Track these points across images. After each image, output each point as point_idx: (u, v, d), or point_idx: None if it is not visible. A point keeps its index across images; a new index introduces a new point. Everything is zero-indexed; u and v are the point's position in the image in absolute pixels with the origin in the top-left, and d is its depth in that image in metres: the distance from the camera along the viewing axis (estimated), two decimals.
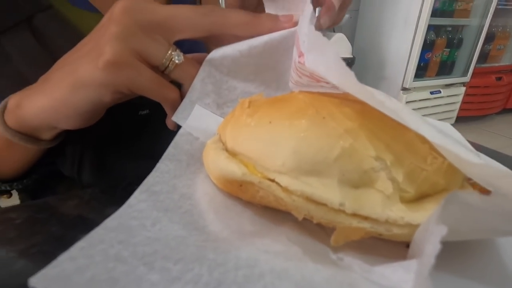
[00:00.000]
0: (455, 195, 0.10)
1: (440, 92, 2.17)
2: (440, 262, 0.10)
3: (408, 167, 0.14)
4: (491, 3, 2.00)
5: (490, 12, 2.02)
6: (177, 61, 0.20)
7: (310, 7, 0.22)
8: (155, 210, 0.16)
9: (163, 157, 0.20)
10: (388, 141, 0.14)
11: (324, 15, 0.25)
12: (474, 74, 2.22)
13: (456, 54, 2.19)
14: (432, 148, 0.14)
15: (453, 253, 0.14)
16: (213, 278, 0.11)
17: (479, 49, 2.14)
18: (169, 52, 0.20)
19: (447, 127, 0.19)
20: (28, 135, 0.24)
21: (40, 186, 0.34)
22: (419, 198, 0.14)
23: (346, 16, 2.15)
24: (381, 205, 0.13)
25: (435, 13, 1.88)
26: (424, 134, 0.12)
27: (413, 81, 2.02)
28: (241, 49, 0.24)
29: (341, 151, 0.14)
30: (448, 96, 2.21)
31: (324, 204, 0.14)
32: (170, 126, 0.25)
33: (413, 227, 0.13)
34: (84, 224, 0.20)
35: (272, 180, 0.15)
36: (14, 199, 0.30)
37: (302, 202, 0.15)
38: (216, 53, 0.24)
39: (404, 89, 2.05)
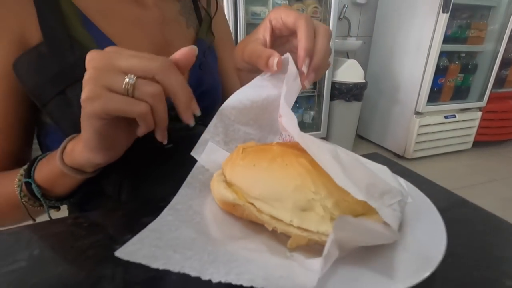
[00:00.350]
0: (342, 218, 0.18)
1: (455, 116, 2.17)
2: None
3: (336, 199, 0.22)
4: (506, 29, 2.02)
5: (504, 38, 2.05)
6: (131, 82, 0.25)
7: (292, 70, 0.31)
8: (177, 221, 0.25)
9: (183, 184, 0.29)
10: (324, 181, 0.22)
11: (305, 80, 0.34)
12: (491, 99, 2.22)
13: (471, 79, 2.21)
14: None
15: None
16: (209, 259, 0.20)
17: (495, 74, 2.15)
18: (125, 79, 0.25)
19: (383, 169, 0.26)
20: (78, 169, 0.33)
21: (85, 201, 0.44)
22: None
23: (360, 42, 2.24)
24: (316, 222, 0.21)
25: (447, 39, 1.93)
26: (332, 176, 0.20)
27: (426, 105, 2.05)
28: (245, 103, 0.34)
29: (294, 187, 0.23)
30: (463, 120, 2.21)
31: (281, 220, 0.22)
32: (161, 137, 0.30)
33: None
34: (127, 228, 0.29)
35: (252, 204, 0.24)
36: (63, 212, 0.40)
37: (269, 219, 0.23)
38: (227, 105, 0.34)
39: (417, 113, 2.08)
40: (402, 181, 0.30)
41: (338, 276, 0.20)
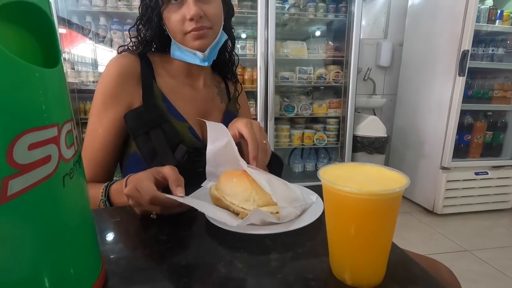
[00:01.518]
0: (257, 208, 0.39)
1: (487, 173, 2.14)
2: None
3: (260, 197, 0.44)
4: None
5: None
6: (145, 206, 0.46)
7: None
8: (196, 198, 0.48)
9: (199, 189, 0.53)
10: (257, 190, 0.44)
11: (252, 162, 0.55)
12: None
13: (501, 137, 2.20)
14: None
15: None
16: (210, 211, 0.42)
17: None
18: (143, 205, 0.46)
19: (300, 188, 0.47)
20: None
21: None
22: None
23: (384, 100, 2.43)
24: (250, 206, 0.43)
25: (469, 99, 2.03)
26: (262, 187, 0.42)
27: (453, 160, 2.08)
28: (215, 156, 0.56)
29: (243, 190, 0.45)
30: (497, 178, 2.16)
31: (235, 205, 0.44)
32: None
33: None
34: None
35: (224, 197, 0.46)
36: None
37: (231, 204, 0.45)
38: (209, 166, 0.57)
39: (444, 168, 2.11)
40: (315, 196, 0.50)
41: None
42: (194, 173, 0.60)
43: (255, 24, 1.89)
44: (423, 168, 2.26)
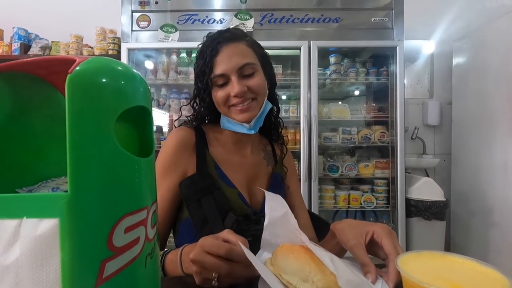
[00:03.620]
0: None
1: None
2: None
3: (319, 278, 0.40)
4: None
5: None
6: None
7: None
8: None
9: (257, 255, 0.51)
10: (316, 269, 0.41)
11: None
12: None
13: None
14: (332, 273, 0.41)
15: None
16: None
17: None
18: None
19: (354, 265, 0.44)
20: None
21: None
22: None
23: (437, 160, 2.27)
24: (308, 287, 0.40)
25: None
26: (326, 265, 0.40)
27: None
28: (272, 225, 0.55)
29: (300, 269, 0.42)
30: None
31: (292, 284, 0.41)
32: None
33: None
34: None
35: (280, 275, 0.44)
36: None
37: (287, 283, 0.42)
38: (266, 234, 0.56)
39: None
40: (380, 283, 0.45)
41: None
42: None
43: (297, 87, 2.02)
44: (496, 241, 1.94)
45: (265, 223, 0.54)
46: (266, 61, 0.78)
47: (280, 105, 0.87)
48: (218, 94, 0.72)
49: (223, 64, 0.69)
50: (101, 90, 0.22)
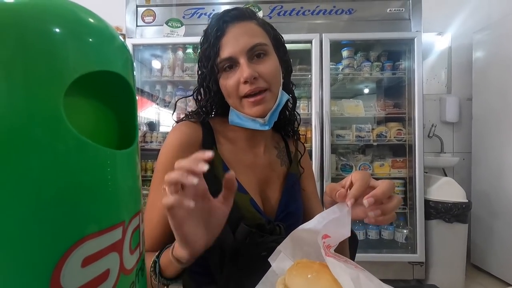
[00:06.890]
0: None
1: None
2: None
3: None
4: None
5: None
6: None
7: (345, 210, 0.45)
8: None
9: (261, 281, 0.43)
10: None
11: (370, 210, 0.45)
12: None
13: None
14: None
15: None
16: None
17: None
18: None
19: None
20: (177, 260, 0.47)
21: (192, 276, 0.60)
22: None
23: (456, 159, 2.14)
24: None
25: None
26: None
27: None
28: (309, 232, 0.47)
29: None
30: None
31: None
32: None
33: None
34: None
35: None
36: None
37: None
38: (298, 230, 0.48)
39: None
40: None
41: None
42: (257, 257, 0.51)
43: (307, 84, 1.92)
44: None
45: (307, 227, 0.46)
46: (279, 44, 0.68)
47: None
48: (227, 82, 0.62)
49: (230, 45, 0.60)
50: (43, 39, 0.14)
